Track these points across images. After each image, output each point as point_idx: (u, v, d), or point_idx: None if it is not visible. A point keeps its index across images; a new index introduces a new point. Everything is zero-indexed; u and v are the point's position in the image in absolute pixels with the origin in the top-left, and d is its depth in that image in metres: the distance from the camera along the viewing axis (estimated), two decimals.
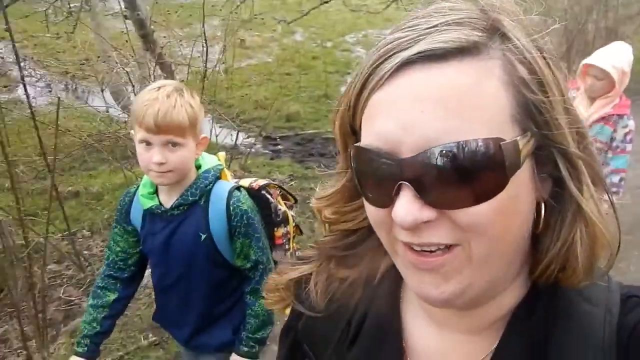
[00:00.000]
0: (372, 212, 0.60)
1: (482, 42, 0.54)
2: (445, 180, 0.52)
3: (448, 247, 0.55)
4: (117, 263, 1.91)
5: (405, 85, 0.53)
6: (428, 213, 0.53)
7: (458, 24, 0.54)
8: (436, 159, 0.51)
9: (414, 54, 0.53)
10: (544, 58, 0.56)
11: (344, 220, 0.70)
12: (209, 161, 1.83)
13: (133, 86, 4.11)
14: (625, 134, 3.30)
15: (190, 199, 1.73)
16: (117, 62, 4.10)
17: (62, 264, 4.03)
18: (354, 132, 0.62)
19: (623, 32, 10.59)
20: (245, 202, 1.77)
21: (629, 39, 10.19)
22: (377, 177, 0.56)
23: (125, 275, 1.92)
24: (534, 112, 0.54)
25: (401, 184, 0.54)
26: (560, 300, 0.61)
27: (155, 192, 1.80)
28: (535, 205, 0.58)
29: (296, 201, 2.06)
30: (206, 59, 4.03)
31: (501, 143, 0.51)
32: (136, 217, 1.84)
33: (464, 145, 0.51)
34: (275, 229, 1.92)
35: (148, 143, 1.64)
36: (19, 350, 3.22)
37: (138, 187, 1.84)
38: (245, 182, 1.90)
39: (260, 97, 7.91)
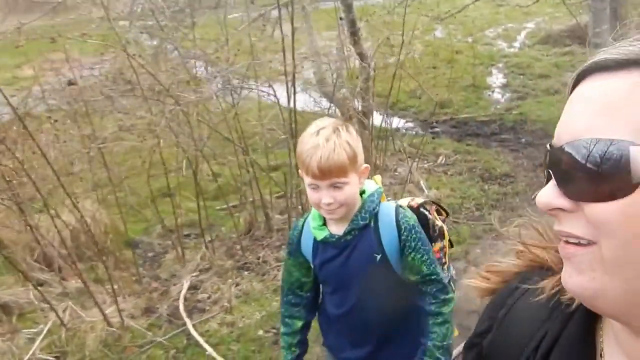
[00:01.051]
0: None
1: None
2: (578, 171, 0.56)
3: (583, 243, 0.57)
4: (295, 291, 2.05)
5: (579, 91, 0.60)
6: (562, 201, 0.58)
7: (631, 44, 0.58)
8: (572, 150, 0.57)
9: (587, 66, 0.60)
10: None
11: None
12: (369, 185, 1.90)
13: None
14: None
15: (362, 222, 1.81)
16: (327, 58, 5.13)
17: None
18: None
19: None
20: (412, 218, 1.84)
21: None
22: (546, 164, 0.62)
23: (305, 301, 2.06)
24: None
25: (549, 170, 0.60)
26: None
27: (324, 223, 1.89)
28: None
29: (448, 214, 2.13)
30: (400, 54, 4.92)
31: (631, 147, 0.53)
32: (307, 248, 1.93)
33: (603, 142, 0.54)
34: (433, 243, 1.95)
35: (316, 186, 1.77)
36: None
37: (305, 219, 1.96)
38: (403, 202, 1.99)
39: (411, 88, 8.71)
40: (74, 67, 5.20)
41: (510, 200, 5.26)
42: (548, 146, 0.62)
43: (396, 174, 5.87)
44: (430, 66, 9.93)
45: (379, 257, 1.80)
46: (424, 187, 5.47)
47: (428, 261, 1.81)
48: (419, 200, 2.02)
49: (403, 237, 1.79)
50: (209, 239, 4.82)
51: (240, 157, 4.75)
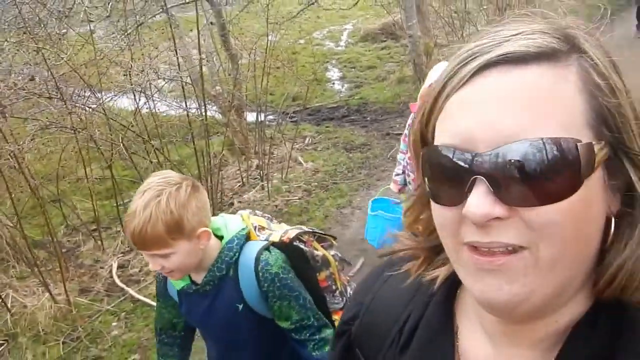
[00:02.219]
0: (441, 214, 0.60)
1: (560, 49, 0.56)
2: (520, 176, 0.52)
3: (515, 250, 0.54)
4: (167, 331, 1.97)
5: (485, 85, 0.55)
6: (500, 209, 0.53)
7: (540, 32, 0.57)
8: (512, 155, 0.52)
9: (496, 56, 0.55)
10: (613, 66, 0.58)
11: (425, 227, 0.71)
12: (233, 226, 1.75)
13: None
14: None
15: (218, 274, 1.69)
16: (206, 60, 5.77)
17: None
18: (424, 142, 0.63)
19: None
20: (275, 263, 1.68)
21: None
22: (451, 173, 0.56)
23: (179, 340, 1.98)
24: (608, 117, 0.55)
25: (475, 178, 0.54)
26: (625, 317, 0.59)
27: None
28: (604, 220, 0.57)
29: (335, 239, 2.01)
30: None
31: (578, 144, 0.52)
32: (173, 293, 1.83)
33: (541, 141, 0.51)
34: (318, 273, 1.86)
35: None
36: None
37: None
38: (276, 236, 1.80)
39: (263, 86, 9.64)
40: None
41: (372, 161, 6.50)
42: (468, 155, 0.55)
43: (274, 155, 6.74)
44: (274, 66, 10.98)
45: (241, 307, 1.69)
46: (302, 162, 6.43)
47: (297, 307, 1.68)
48: (293, 232, 1.82)
49: (264, 289, 1.66)
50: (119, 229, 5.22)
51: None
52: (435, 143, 0.60)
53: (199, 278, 1.72)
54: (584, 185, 0.53)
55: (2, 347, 3.87)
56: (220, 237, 1.74)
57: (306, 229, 1.90)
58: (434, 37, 9.91)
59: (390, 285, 0.80)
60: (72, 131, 4.42)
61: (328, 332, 1.73)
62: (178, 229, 1.54)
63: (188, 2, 6.24)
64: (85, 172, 5.16)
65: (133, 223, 1.52)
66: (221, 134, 6.41)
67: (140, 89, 4.96)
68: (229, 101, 6.09)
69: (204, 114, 5.27)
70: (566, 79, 0.55)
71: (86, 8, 5.44)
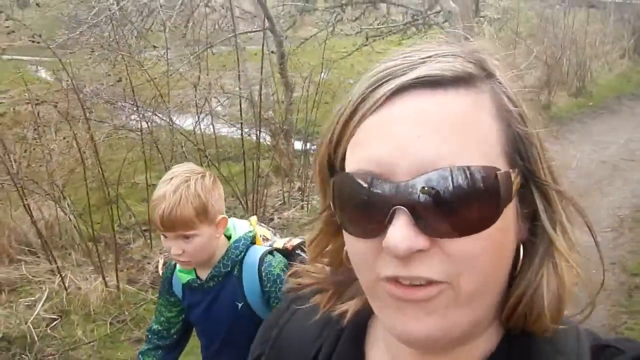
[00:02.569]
0: (356, 246, 0.57)
1: (475, 74, 0.55)
2: (442, 206, 0.51)
3: (435, 283, 0.53)
4: (161, 332, 1.98)
5: (402, 109, 0.53)
6: (422, 241, 0.51)
7: (453, 55, 0.56)
8: (433, 184, 0.50)
9: (412, 79, 0.53)
10: (523, 94, 0.57)
11: (332, 259, 0.68)
12: (240, 229, 1.85)
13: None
14: None
15: (223, 270, 1.77)
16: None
17: None
18: (332, 168, 0.61)
19: (590, 66, 13.08)
20: (278, 266, 1.76)
21: (596, 72, 12.71)
22: (367, 203, 0.53)
23: (167, 342, 1.99)
24: (520, 145, 0.55)
25: (396, 209, 0.51)
26: (533, 352, 0.58)
27: None
28: (515, 246, 0.57)
29: None
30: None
31: (497, 172, 0.51)
32: (178, 289, 1.90)
33: (463, 170, 0.50)
34: None
35: (164, 236, 1.72)
36: None
37: None
38: (279, 243, 1.90)
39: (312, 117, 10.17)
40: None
41: None
42: (387, 185, 0.52)
43: None
44: (324, 101, 11.54)
45: (240, 305, 1.76)
46: None
47: None
48: (296, 241, 1.90)
49: (266, 289, 1.73)
50: None
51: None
52: (348, 170, 0.56)
53: (203, 274, 1.81)
54: (502, 215, 0.52)
55: (56, 322, 4.28)
56: (228, 237, 1.84)
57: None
58: None
59: (298, 319, 0.77)
60: (140, 134, 4.93)
61: None
62: (204, 212, 1.67)
63: (256, 31, 6.83)
64: (146, 176, 5.63)
65: (162, 205, 1.63)
66: (268, 157, 6.86)
67: (204, 102, 5.45)
68: (280, 126, 6.56)
69: (257, 135, 5.75)
70: (482, 105, 0.54)
71: (164, 28, 6.06)
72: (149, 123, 5.24)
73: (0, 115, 5.13)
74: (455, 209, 0.51)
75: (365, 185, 0.53)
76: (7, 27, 5.38)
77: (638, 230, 5.37)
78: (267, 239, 1.94)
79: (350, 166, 0.56)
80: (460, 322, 0.55)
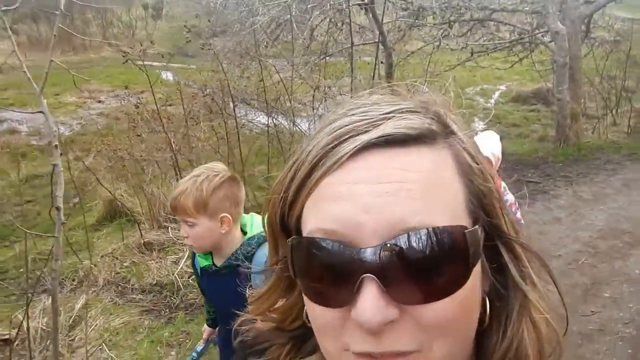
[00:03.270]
0: (321, 315, 0.52)
1: (436, 131, 0.54)
2: (412, 270, 0.48)
3: (408, 353, 0.50)
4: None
5: (366, 168, 0.51)
6: (393, 311, 0.48)
7: (411, 112, 0.54)
8: (403, 245, 0.48)
9: (376, 138, 0.51)
10: (477, 148, 0.56)
11: (284, 317, 0.65)
12: (257, 227, 2.01)
13: None
14: (510, 206, 3.38)
15: (234, 262, 1.95)
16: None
17: None
18: (284, 226, 0.57)
19: None
20: None
21: None
22: (333, 270, 0.50)
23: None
24: (483, 201, 0.54)
25: (365, 277, 0.48)
26: None
27: (210, 252, 2.03)
28: (481, 299, 0.54)
29: None
30: None
31: (465, 231, 0.50)
32: (198, 268, 2.15)
33: (432, 231, 0.48)
34: None
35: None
36: None
37: None
38: None
39: None
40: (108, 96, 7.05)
41: None
42: (354, 250, 0.49)
43: None
44: None
45: (247, 294, 1.91)
46: None
47: None
48: None
49: None
50: None
51: None
52: (309, 231, 0.52)
53: (219, 262, 2.01)
54: (471, 274, 0.50)
55: None
56: (245, 233, 2.03)
57: None
58: (583, 105, 10.33)
59: None
60: (267, 130, 5.86)
61: None
62: (201, 207, 1.86)
63: (370, 43, 7.60)
64: (268, 166, 6.56)
65: (175, 191, 1.90)
66: None
67: (319, 103, 6.28)
68: None
69: None
70: (445, 162, 0.53)
71: (292, 38, 7.01)
72: (274, 120, 6.15)
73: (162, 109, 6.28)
74: (426, 272, 0.48)
75: (329, 249, 0.49)
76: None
77: None
78: None
79: (311, 225, 0.52)
80: None
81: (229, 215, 1.92)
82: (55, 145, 2.91)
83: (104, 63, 16.78)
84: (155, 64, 8.92)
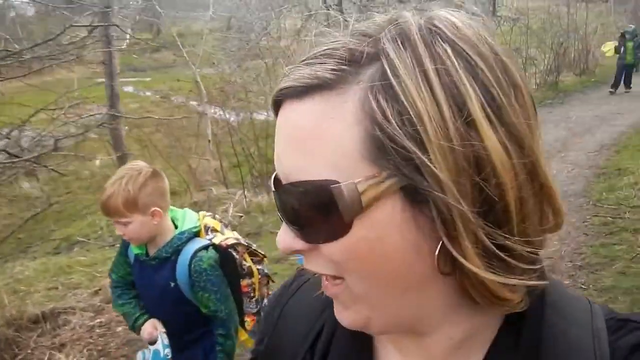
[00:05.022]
0: None
1: (333, 79, 0.49)
2: (297, 216, 0.52)
3: (334, 278, 0.54)
4: (121, 281, 2.27)
5: (279, 119, 0.54)
6: (299, 243, 0.53)
7: (326, 55, 0.51)
8: (286, 195, 0.52)
9: (281, 90, 0.52)
10: (431, 89, 0.46)
11: None
12: (189, 222, 2.14)
13: None
14: None
15: (164, 255, 2.05)
16: None
17: None
18: None
19: (594, 52, 15.51)
20: (207, 261, 2.04)
21: (601, 56, 15.05)
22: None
23: (133, 291, 2.26)
24: (393, 148, 0.47)
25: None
26: (543, 325, 0.55)
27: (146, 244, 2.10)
28: (436, 244, 0.49)
29: (265, 257, 2.34)
30: None
31: (332, 186, 0.49)
32: (131, 256, 2.20)
33: (297, 186, 0.50)
34: (242, 279, 2.22)
35: None
36: None
37: None
38: (218, 239, 2.16)
39: None
40: None
41: None
42: (272, 184, 0.55)
43: None
44: None
45: (172, 284, 2.06)
46: None
47: (214, 299, 2.05)
48: (231, 241, 2.18)
49: (193, 278, 2.03)
50: None
51: None
52: None
53: (152, 252, 2.11)
54: (360, 224, 0.49)
55: (243, 217, 7.01)
56: (177, 226, 2.13)
57: (243, 242, 2.24)
58: None
59: (300, 297, 0.74)
60: None
61: (230, 332, 2.11)
62: (130, 205, 1.95)
63: None
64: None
65: (102, 196, 1.97)
66: None
67: None
68: None
69: None
70: (339, 110, 0.49)
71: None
72: None
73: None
74: (301, 221, 0.52)
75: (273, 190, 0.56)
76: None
77: (614, 149, 7.90)
78: (216, 230, 2.23)
79: None
80: (377, 317, 0.54)
81: (158, 208, 2.02)
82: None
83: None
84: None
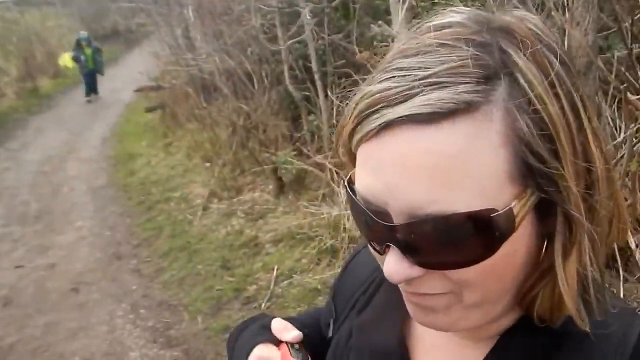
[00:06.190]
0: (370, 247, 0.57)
1: (478, 100, 0.46)
2: (432, 247, 0.49)
3: (441, 294, 0.52)
4: None
5: (392, 146, 0.48)
6: (417, 271, 0.51)
7: (452, 74, 0.46)
8: (421, 229, 0.48)
9: (401, 117, 0.46)
10: (559, 99, 0.46)
11: None
12: None
13: None
14: None
15: None
16: None
17: None
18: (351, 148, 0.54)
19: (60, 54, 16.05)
20: None
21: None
22: (368, 227, 0.53)
23: None
24: (538, 165, 0.46)
25: (389, 245, 0.51)
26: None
27: None
28: (540, 242, 0.51)
29: None
30: None
31: (492, 215, 0.46)
32: None
33: (449, 218, 0.46)
34: None
35: None
36: None
37: None
38: None
39: None
40: None
41: None
42: (381, 223, 0.50)
43: None
44: None
45: None
46: None
47: None
48: None
49: None
50: None
51: None
52: (356, 185, 0.53)
53: None
54: (505, 243, 0.48)
55: None
56: None
57: None
58: None
59: (364, 253, 0.78)
60: None
61: None
62: None
63: None
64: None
65: None
66: None
67: None
68: None
69: None
70: (485, 132, 0.46)
71: None
72: None
73: None
74: (445, 250, 0.48)
75: (365, 212, 0.51)
76: None
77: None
78: None
79: (357, 181, 0.53)
80: (466, 319, 0.54)
81: None
82: None
83: None
84: None
